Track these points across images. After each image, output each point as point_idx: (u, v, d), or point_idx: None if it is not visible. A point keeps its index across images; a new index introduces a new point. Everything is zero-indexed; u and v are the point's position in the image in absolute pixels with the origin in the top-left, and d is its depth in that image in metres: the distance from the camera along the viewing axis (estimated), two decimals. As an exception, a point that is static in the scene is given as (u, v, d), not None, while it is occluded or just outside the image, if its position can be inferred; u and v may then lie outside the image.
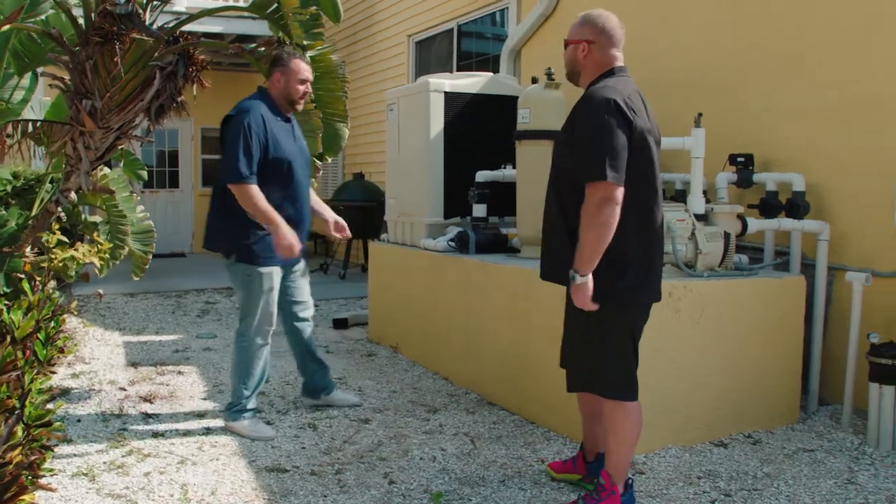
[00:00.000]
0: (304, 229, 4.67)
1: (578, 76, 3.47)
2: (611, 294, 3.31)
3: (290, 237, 4.34)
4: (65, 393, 5.30)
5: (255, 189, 4.30)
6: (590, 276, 3.21)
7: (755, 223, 4.97)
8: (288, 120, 4.61)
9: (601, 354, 3.44)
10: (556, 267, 3.47)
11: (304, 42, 4.96)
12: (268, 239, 4.42)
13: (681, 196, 5.62)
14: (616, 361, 3.44)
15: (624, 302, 3.38)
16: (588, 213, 3.15)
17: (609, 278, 3.28)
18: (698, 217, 4.73)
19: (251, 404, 4.63)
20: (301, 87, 4.54)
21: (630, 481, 3.58)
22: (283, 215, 4.41)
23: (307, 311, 4.96)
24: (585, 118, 3.22)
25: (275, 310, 4.63)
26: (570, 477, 3.92)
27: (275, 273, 4.56)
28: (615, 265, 3.28)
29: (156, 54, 4.95)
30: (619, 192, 3.13)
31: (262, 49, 5.37)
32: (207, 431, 4.60)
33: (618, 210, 3.14)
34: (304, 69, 4.55)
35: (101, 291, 7.14)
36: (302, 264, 4.88)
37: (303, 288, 4.91)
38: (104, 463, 4.09)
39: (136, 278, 6.95)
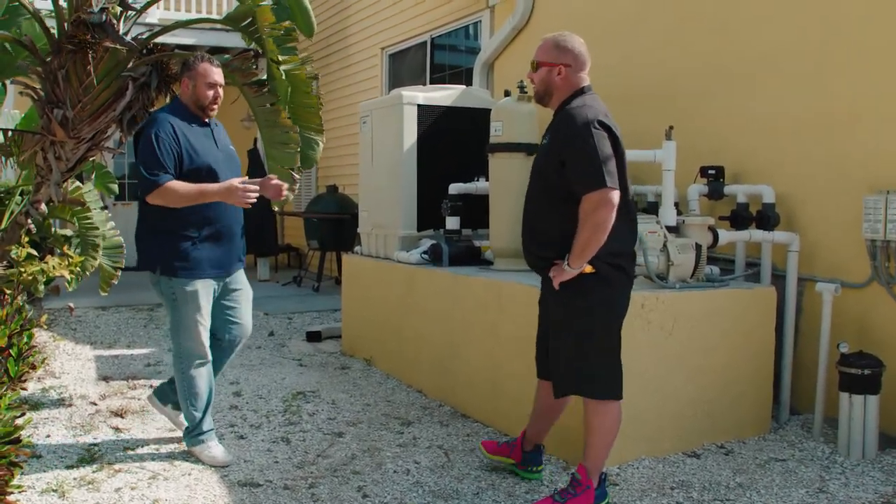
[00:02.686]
0: (236, 238, 4.43)
1: (551, 97, 3.73)
2: (606, 297, 3.62)
3: (228, 186, 4.11)
4: (34, 408, 5.23)
5: (173, 182, 4.09)
6: (575, 270, 3.51)
7: (726, 235, 5.02)
8: (206, 125, 4.40)
9: (593, 358, 3.63)
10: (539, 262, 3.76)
11: (279, 57, 4.95)
12: (193, 252, 4.23)
13: (652, 208, 5.66)
14: (606, 363, 3.65)
15: (615, 303, 3.68)
16: (586, 213, 3.43)
17: (610, 284, 3.61)
18: (670, 229, 4.77)
19: (207, 425, 4.41)
20: (209, 92, 4.31)
21: (603, 475, 3.72)
22: (209, 225, 4.25)
23: (237, 330, 4.59)
24: (575, 135, 3.47)
25: (206, 326, 4.35)
26: (503, 460, 4.19)
27: (202, 288, 4.28)
28: (620, 266, 3.62)
29: (129, 65, 4.92)
30: (616, 196, 3.43)
31: (236, 61, 5.35)
32: (180, 446, 4.55)
33: (614, 213, 3.43)
34: (213, 72, 4.31)
35: (72, 305, 7.08)
36: (241, 284, 4.57)
37: (241, 307, 4.57)
38: (74, 479, 4.04)
39: (103, 293, 6.89)
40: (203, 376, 4.38)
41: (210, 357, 4.41)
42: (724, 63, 5.63)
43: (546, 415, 4.04)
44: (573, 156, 3.46)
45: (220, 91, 4.38)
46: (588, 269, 3.52)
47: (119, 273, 6.81)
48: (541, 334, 3.93)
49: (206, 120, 4.42)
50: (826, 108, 4.99)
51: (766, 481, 4.11)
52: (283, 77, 4.95)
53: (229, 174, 4.34)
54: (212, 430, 4.45)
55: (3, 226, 5.96)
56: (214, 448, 4.37)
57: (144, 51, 5.05)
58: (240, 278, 4.56)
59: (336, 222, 10.45)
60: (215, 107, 4.38)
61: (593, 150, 3.40)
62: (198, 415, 4.38)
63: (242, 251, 4.55)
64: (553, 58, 3.64)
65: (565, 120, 3.55)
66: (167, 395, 4.68)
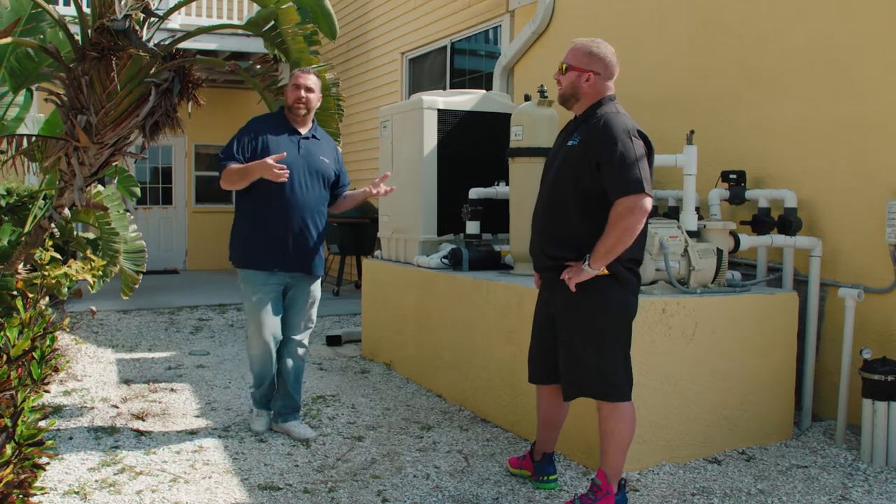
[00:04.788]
0: (298, 241, 4.68)
1: (577, 101, 3.74)
2: (620, 297, 3.65)
3: (261, 161, 4.39)
4: (57, 410, 5.28)
5: (228, 167, 4.52)
6: (593, 271, 3.54)
7: (748, 240, 4.99)
8: (297, 133, 4.70)
9: (607, 359, 3.65)
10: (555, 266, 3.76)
11: (301, 59, 4.98)
12: (248, 245, 4.64)
13: (673, 213, 5.64)
14: (620, 364, 3.67)
15: (629, 304, 3.71)
16: (618, 216, 3.46)
17: (624, 285, 3.63)
18: (691, 234, 4.75)
19: (255, 401, 4.95)
20: (292, 93, 4.63)
21: (623, 481, 3.73)
22: (265, 223, 4.59)
23: (286, 333, 4.86)
24: (615, 140, 3.50)
25: (266, 317, 4.68)
26: (523, 473, 4.19)
27: (258, 279, 4.66)
28: (632, 269, 3.65)
29: (151, 71, 4.96)
30: (649, 202, 3.48)
31: (257, 66, 5.39)
32: (200, 449, 4.58)
33: (644, 218, 3.48)
34: (300, 75, 4.64)
35: (94, 308, 7.12)
36: (299, 289, 4.83)
37: (290, 309, 4.86)
38: (96, 481, 4.07)
39: (125, 297, 6.93)
40: (260, 362, 4.79)
41: (270, 345, 4.74)
42: (745, 68, 5.60)
43: (550, 422, 4.07)
44: (611, 160, 3.48)
45: (306, 95, 4.66)
46: (603, 270, 3.55)
47: (140, 276, 6.85)
48: (538, 340, 3.96)
49: (301, 130, 4.73)
50: (847, 111, 4.96)
51: (788, 488, 4.08)
52: None
53: (306, 182, 4.66)
54: (261, 406, 4.94)
55: (26, 230, 6.01)
56: (256, 422, 4.92)
57: (167, 56, 5.09)
58: (301, 283, 4.83)
59: (356, 227, 10.47)
60: (300, 107, 4.66)
61: (632, 155, 3.46)
62: (251, 389, 5.00)
63: (312, 259, 4.79)
64: (584, 63, 3.66)
65: (603, 125, 3.56)
66: (277, 412, 5.01)
